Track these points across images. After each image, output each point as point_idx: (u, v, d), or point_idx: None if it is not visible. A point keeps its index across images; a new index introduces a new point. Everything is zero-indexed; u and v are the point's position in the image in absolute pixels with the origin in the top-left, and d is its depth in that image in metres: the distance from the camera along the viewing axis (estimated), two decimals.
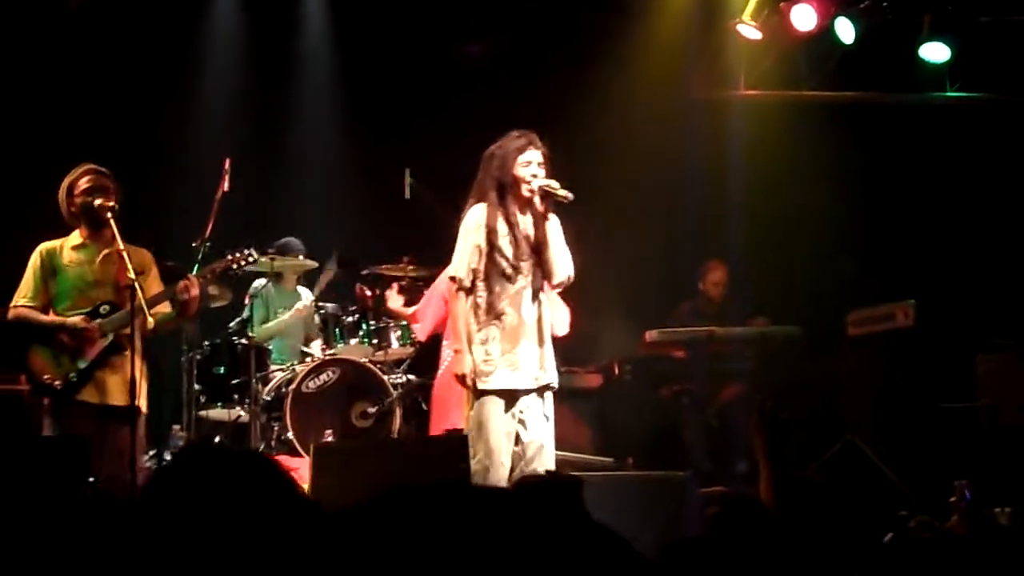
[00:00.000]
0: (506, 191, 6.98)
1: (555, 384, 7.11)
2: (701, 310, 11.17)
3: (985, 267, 11.08)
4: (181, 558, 1.87)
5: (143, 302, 7.13)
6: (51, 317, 7.42)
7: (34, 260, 7.50)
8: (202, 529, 1.90)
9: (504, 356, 6.93)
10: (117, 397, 7.32)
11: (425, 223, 9.42)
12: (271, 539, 1.92)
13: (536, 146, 6.99)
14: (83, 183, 7.46)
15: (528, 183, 6.93)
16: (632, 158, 11.45)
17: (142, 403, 7.38)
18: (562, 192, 6.90)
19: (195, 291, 7.50)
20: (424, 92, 11.76)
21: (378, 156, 11.18)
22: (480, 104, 11.37)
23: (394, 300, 9.53)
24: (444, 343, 8.74)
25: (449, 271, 7.19)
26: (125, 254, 7.24)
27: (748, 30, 10.79)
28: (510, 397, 6.93)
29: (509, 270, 6.98)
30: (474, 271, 7.03)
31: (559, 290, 7.26)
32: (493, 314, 6.96)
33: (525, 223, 7.03)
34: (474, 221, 7.06)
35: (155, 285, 7.56)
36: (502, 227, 6.97)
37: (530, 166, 6.95)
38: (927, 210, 11.64)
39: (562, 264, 7.02)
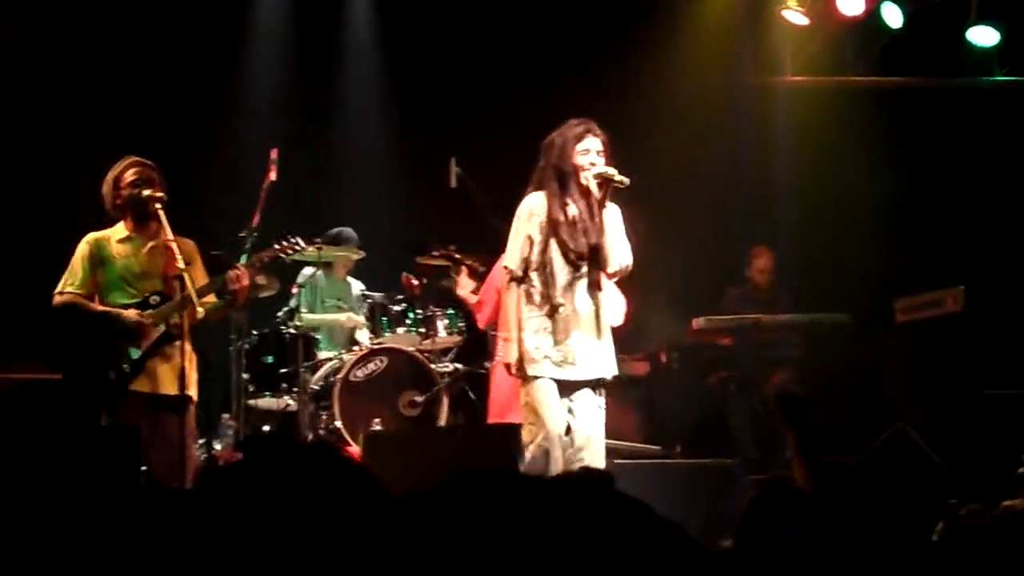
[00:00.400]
0: (566, 179, 6.92)
1: (613, 373, 7.05)
2: (749, 296, 11.14)
3: None
4: (244, 550, 1.88)
5: (192, 292, 7.16)
6: (103, 308, 7.43)
7: (82, 249, 7.51)
8: (268, 521, 1.90)
9: (555, 348, 6.88)
10: (168, 386, 7.34)
11: (471, 212, 9.43)
12: (341, 530, 1.92)
13: (595, 133, 6.94)
14: (129, 175, 7.49)
15: (586, 171, 6.89)
16: (679, 144, 11.42)
17: (192, 392, 7.43)
18: (619, 177, 6.85)
19: (245, 281, 7.53)
20: (469, 80, 11.76)
21: (424, 145, 11.21)
22: (526, 91, 11.37)
23: (464, 285, 9.49)
24: (497, 333, 8.72)
25: (503, 261, 7.16)
26: (174, 245, 7.28)
27: (794, 15, 10.76)
28: (560, 386, 6.90)
29: (566, 260, 6.93)
30: (527, 261, 6.99)
31: (616, 279, 7.20)
32: (547, 305, 6.91)
33: (584, 212, 6.96)
34: (528, 210, 7.02)
35: (201, 275, 7.58)
36: (561, 216, 6.92)
37: (589, 154, 6.90)
38: (975, 195, 11.56)
39: (619, 254, 6.96)
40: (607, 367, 7.02)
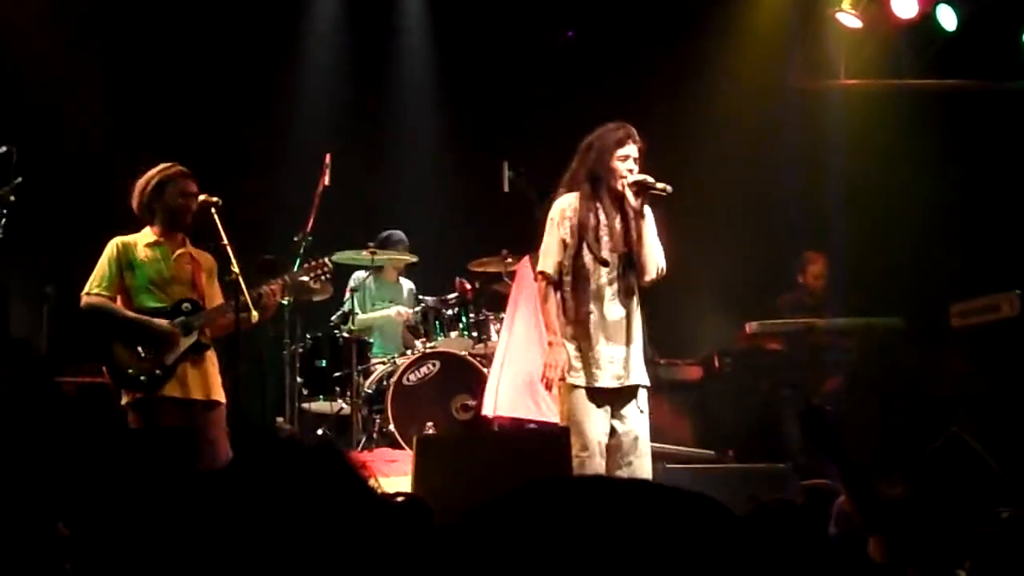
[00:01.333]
0: (600, 184, 6.87)
1: (645, 383, 6.99)
2: (802, 302, 11.08)
3: None
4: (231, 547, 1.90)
5: (248, 298, 7.26)
6: (134, 314, 7.43)
7: (110, 251, 7.51)
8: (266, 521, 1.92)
9: (585, 354, 6.82)
10: (198, 391, 7.40)
11: (524, 216, 9.44)
12: (331, 533, 1.94)
13: (634, 140, 6.87)
14: (182, 186, 7.54)
15: (624, 177, 6.84)
16: (731, 148, 11.39)
17: (221, 396, 7.51)
18: (660, 185, 6.80)
19: (279, 297, 7.65)
20: (521, 84, 11.78)
21: (476, 149, 11.23)
22: (576, 93, 11.38)
23: None
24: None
25: (539, 267, 7.06)
26: (229, 249, 7.36)
27: (848, 18, 10.72)
28: (597, 393, 6.86)
29: (597, 265, 6.87)
30: (561, 265, 6.96)
31: (649, 286, 7.12)
32: (578, 310, 6.86)
33: (615, 218, 6.90)
34: (560, 212, 6.96)
35: (217, 292, 7.64)
36: (593, 221, 6.87)
37: (627, 160, 6.84)
38: None
39: (653, 260, 6.89)
40: (638, 375, 6.95)
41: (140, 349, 7.36)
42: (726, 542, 1.68)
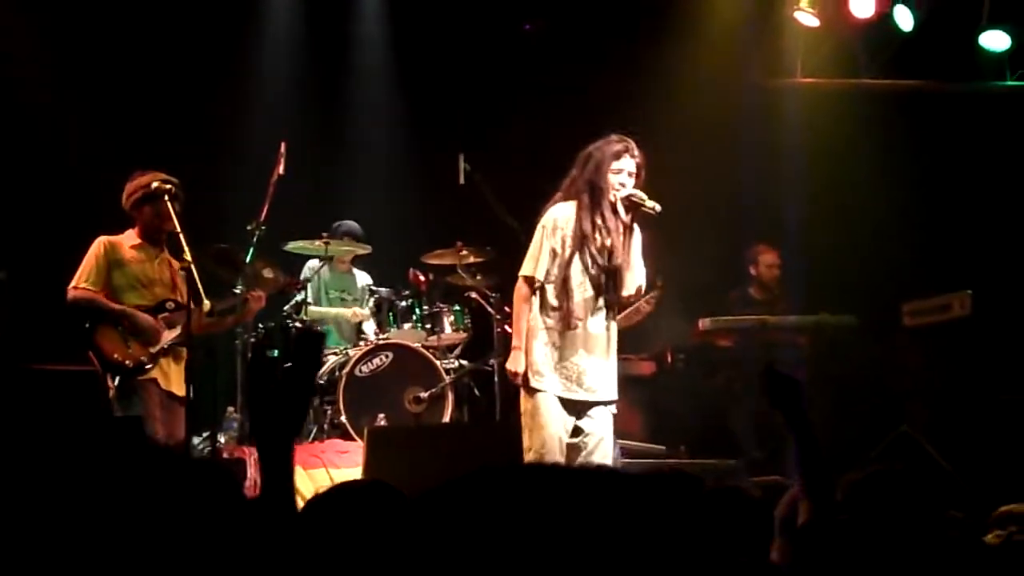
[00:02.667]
0: (598, 195, 6.84)
1: (615, 398, 6.98)
2: (750, 298, 11.10)
3: None
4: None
5: (199, 286, 7.41)
6: (121, 307, 7.71)
7: (97, 249, 7.75)
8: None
9: (562, 364, 6.82)
10: (175, 386, 7.72)
11: (479, 208, 9.42)
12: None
13: (632, 155, 6.87)
14: (162, 208, 7.65)
15: (617, 191, 6.83)
16: (688, 144, 11.38)
17: (184, 394, 7.76)
18: (649, 204, 6.80)
19: (262, 304, 8.21)
20: (479, 77, 11.75)
21: (432, 141, 11.19)
22: (535, 89, 11.36)
23: None
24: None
25: (523, 270, 7.00)
26: (182, 237, 7.41)
27: (806, 17, 10.74)
28: (564, 403, 6.84)
29: (586, 277, 6.86)
30: (546, 273, 6.91)
31: (625, 302, 7.12)
32: (561, 321, 6.84)
33: (611, 231, 6.89)
34: (553, 221, 6.94)
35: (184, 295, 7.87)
36: (591, 232, 6.85)
37: (621, 174, 6.84)
38: (984, 199, 11.52)
39: (634, 278, 6.92)
40: (611, 391, 6.96)
41: (126, 339, 7.64)
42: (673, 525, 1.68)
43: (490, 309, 9.59)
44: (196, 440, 8.93)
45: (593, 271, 6.86)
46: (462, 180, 9.53)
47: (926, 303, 10.31)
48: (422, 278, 9.93)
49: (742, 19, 11.52)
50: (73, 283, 7.71)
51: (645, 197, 6.81)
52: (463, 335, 9.89)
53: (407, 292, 9.95)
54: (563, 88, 11.24)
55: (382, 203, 11.38)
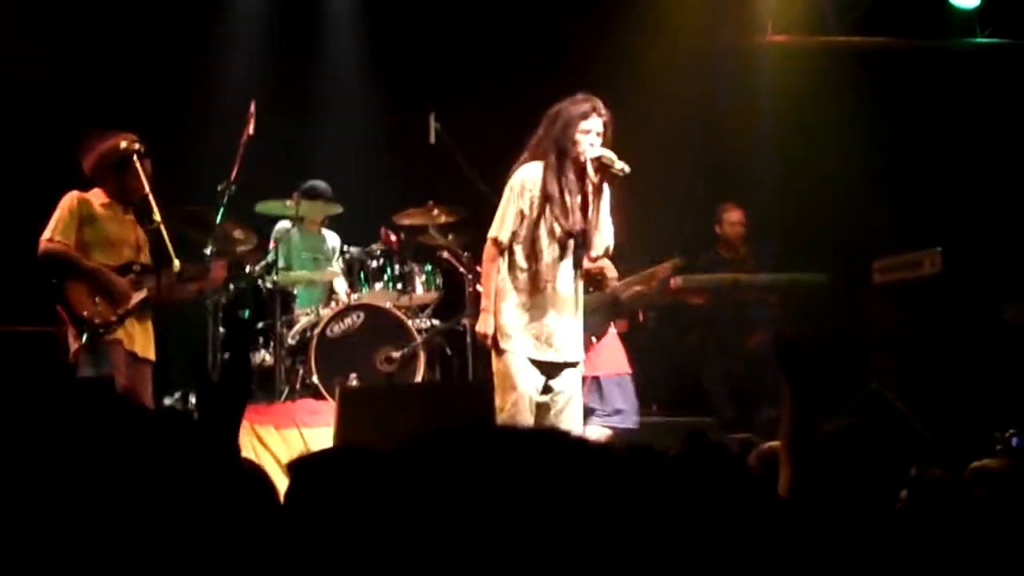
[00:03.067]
0: (564, 156, 6.79)
1: (580, 361, 7.02)
2: (721, 256, 11.11)
3: (1013, 215, 11.00)
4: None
5: (170, 247, 7.38)
6: (95, 264, 7.61)
7: (71, 202, 7.64)
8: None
9: (532, 325, 6.81)
10: (140, 347, 7.67)
11: (450, 167, 9.40)
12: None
13: (599, 114, 6.80)
14: (144, 167, 7.61)
15: (585, 151, 6.77)
16: (659, 105, 11.37)
17: (153, 356, 7.79)
18: (618, 164, 6.74)
19: (224, 273, 8.19)
20: (449, 36, 11.69)
21: (403, 100, 11.14)
22: (505, 48, 11.33)
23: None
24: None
25: (491, 232, 6.97)
26: (151, 198, 7.35)
27: None
28: (536, 364, 6.85)
29: (552, 238, 6.83)
30: (514, 234, 6.90)
31: (596, 262, 7.12)
32: (530, 282, 6.83)
33: (577, 192, 6.85)
34: (521, 183, 6.90)
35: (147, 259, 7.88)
36: (556, 193, 6.80)
37: (589, 134, 6.77)
38: (955, 157, 11.55)
39: (602, 239, 6.89)
40: (579, 353, 7.01)
41: (96, 298, 7.53)
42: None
43: (462, 269, 9.58)
44: (168, 400, 8.93)
45: (560, 232, 6.83)
46: (433, 139, 9.50)
47: (897, 260, 10.35)
48: (393, 238, 9.91)
49: None
50: (47, 235, 7.57)
51: (615, 158, 6.76)
52: (435, 295, 9.88)
53: (378, 252, 9.92)
54: (533, 47, 11.22)
55: (353, 163, 11.34)
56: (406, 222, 10.00)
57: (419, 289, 9.83)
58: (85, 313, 7.48)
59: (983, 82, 11.39)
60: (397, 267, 9.85)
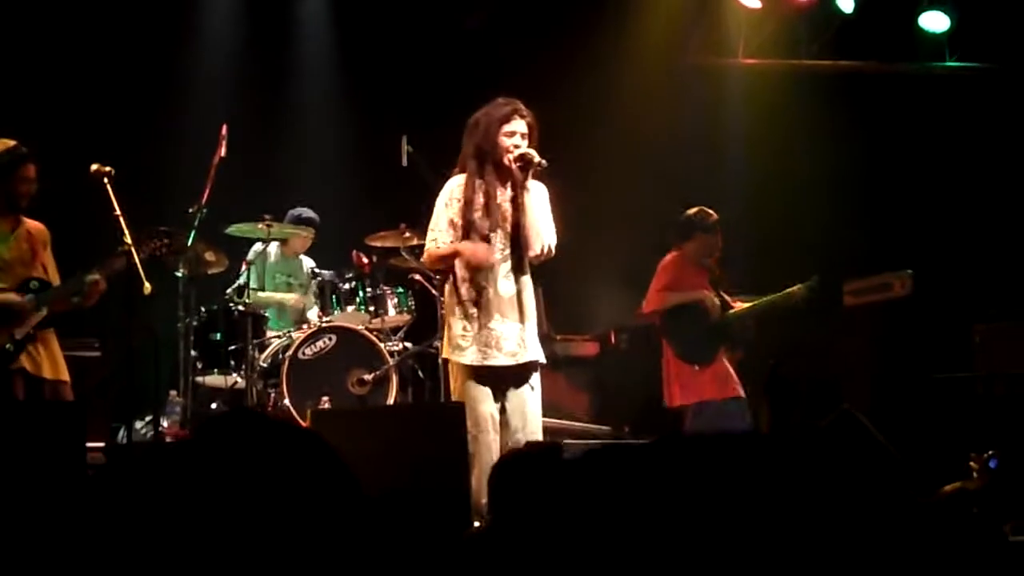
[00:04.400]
0: (486, 160, 6.80)
1: (540, 360, 6.97)
2: None
3: (983, 237, 11.07)
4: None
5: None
6: None
7: None
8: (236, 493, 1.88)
9: (479, 332, 6.81)
10: (47, 370, 7.40)
11: (422, 190, 9.40)
12: (309, 512, 1.90)
13: (521, 115, 6.81)
14: (25, 170, 7.43)
15: (510, 152, 6.77)
16: (630, 126, 11.42)
17: (66, 375, 7.50)
18: (538, 159, 6.71)
19: (103, 287, 7.52)
20: (422, 59, 11.72)
21: (375, 123, 11.15)
22: (477, 71, 11.34)
23: None
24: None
25: (426, 245, 7.04)
26: (122, 220, 7.29)
27: None
28: (489, 371, 6.84)
29: (487, 241, 6.83)
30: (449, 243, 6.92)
31: (539, 262, 7.09)
32: (471, 289, 6.83)
33: (503, 194, 6.86)
34: (449, 194, 6.92)
35: (51, 263, 7.62)
36: (478, 198, 6.81)
37: (513, 136, 6.77)
38: (925, 180, 11.62)
39: (539, 236, 6.82)
40: (533, 351, 6.92)
41: None
42: None
43: (434, 291, 9.58)
44: (139, 424, 8.90)
45: (491, 234, 6.85)
46: (405, 162, 9.50)
47: (867, 282, 10.38)
48: (365, 260, 9.90)
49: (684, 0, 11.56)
50: None
51: (535, 154, 6.74)
52: (407, 317, 9.88)
53: (350, 274, 9.91)
54: (504, 70, 11.22)
55: (325, 185, 11.35)
56: (378, 244, 10.00)
57: (391, 311, 9.82)
58: None
59: (952, 105, 11.48)
60: (369, 289, 9.84)
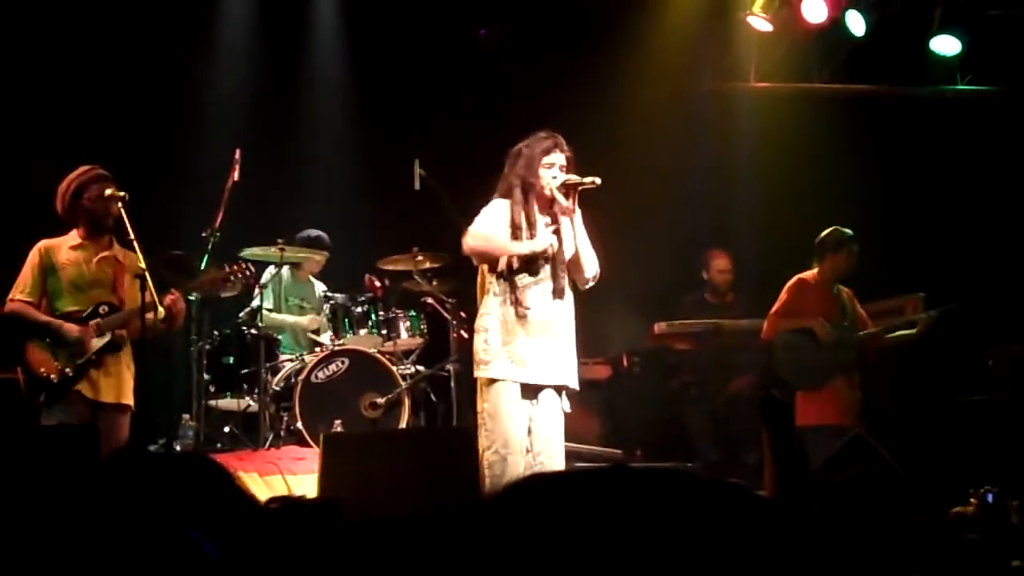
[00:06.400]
0: (529, 190, 7.03)
1: (574, 386, 7.07)
2: (705, 302, 11.15)
3: (995, 259, 11.06)
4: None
5: (154, 294, 7.28)
6: (48, 318, 7.53)
7: (33, 256, 7.63)
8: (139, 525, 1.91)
9: (504, 347, 6.92)
10: (107, 394, 7.52)
11: (435, 213, 9.43)
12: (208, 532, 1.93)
13: (562, 149, 7.04)
14: (95, 188, 7.55)
15: (548, 184, 6.98)
16: (642, 149, 11.44)
17: (130, 400, 7.59)
18: (587, 179, 6.96)
19: (181, 305, 7.66)
20: (434, 83, 11.76)
21: (388, 147, 11.18)
22: (489, 94, 11.39)
23: None
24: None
25: (471, 230, 7.17)
26: (136, 244, 7.33)
27: (759, 22, 10.80)
28: (523, 388, 6.91)
29: (526, 267, 6.99)
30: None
31: (586, 287, 7.21)
32: (509, 309, 6.96)
33: (547, 221, 7.08)
34: (497, 211, 7.10)
35: (135, 290, 7.59)
36: (524, 224, 7.01)
37: (553, 168, 7.00)
38: (937, 203, 11.62)
39: (589, 261, 7.07)
40: (568, 375, 7.03)
41: (53, 351, 7.44)
42: None
43: (446, 315, 9.62)
44: (152, 448, 8.91)
45: (535, 259, 7.00)
46: (417, 186, 9.53)
47: (878, 306, 10.36)
48: (378, 284, 9.93)
49: (695, 24, 11.58)
50: (10, 295, 7.59)
51: (577, 178, 6.98)
52: (419, 340, 9.89)
53: (363, 298, 9.94)
54: (517, 94, 11.26)
55: (338, 209, 11.37)
56: (390, 268, 10.03)
57: (404, 335, 9.84)
58: (43, 371, 7.39)
59: (964, 128, 11.48)
60: (382, 313, 9.87)
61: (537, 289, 6.99)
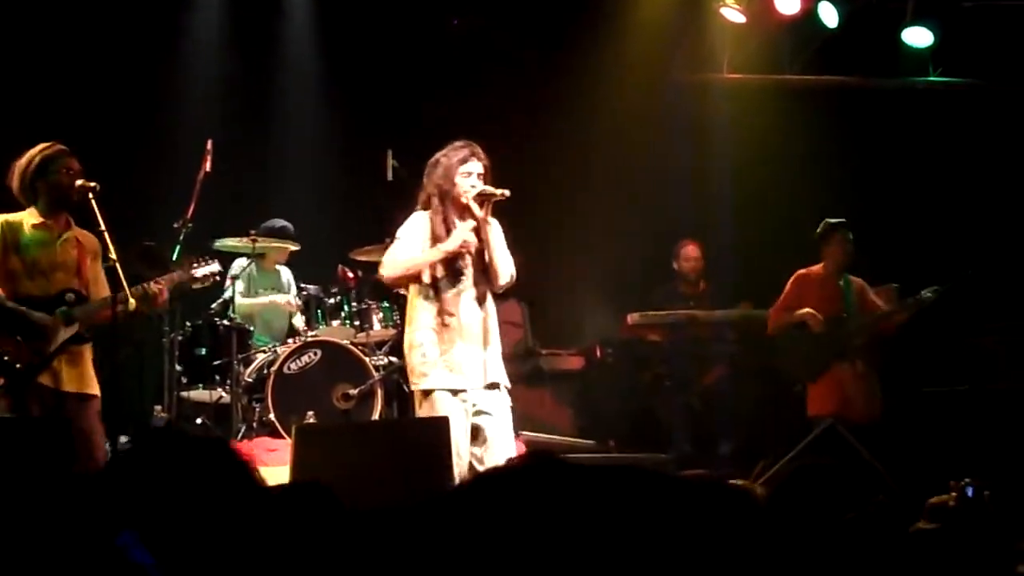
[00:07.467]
0: (447, 199, 7.07)
1: (504, 383, 7.08)
2: (677, 292, 11.16)
3: (968, 249, 11.09)
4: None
5: (126, 286, 7.13)
6: (14, 305, 7.12)
7: None
8: (158, 510, 1.90)
9: (442, 357, 6.95)
10: (69, 384, 7.19)
11: (408, 205, 9.40)
12: (225, 521, 1.92)
13: (478, 157, 7.08)
14: (66, 164, 7.34)
15: (467, 192, 7.03)
16: (614, 141, 11.44)
17: (96, 389, 7.30)
18: (499, 192, 7.00)
19: (165, 296, 7.47)
20: (407, 74, 11.73)
21: (361, 137, 11.16)
22: (462, 86, 11.36)
23: None
24: None
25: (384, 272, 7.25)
26: (107, 235, 7.17)
27: (732, 13, 10.83)
28: (456, 394, 6.94)
29: (448, 275, 7.04)
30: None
31: (502, 291, 7.26)
32: (434, 318, 7.01)
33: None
34: (413, 227, 7.16)
35: (101, 274, 7.41)
36: (444, 234, 7.05)
37: (470, 176, 7.04)
38: (909, 194, 11.65)
39: (503, 267, 7.10)
40: (498, 375, 7.07)
41: (18, 338, 7.10)
42: None
43: None
44: (123, 439, 8.87)
45: (454, 269, 7.05)
46: (390, 176, 9.52)
47: None
48: (351, 275, 9.92)
49: (669, 15, 11.58)
50: None
51: (493, 188, 7.01)
52: (392, 332, 9.88)
53: (335, 289, 9.94)
54: (489, 85, 11.25)
55: (310, 200, 11.35)
56: (363, 259, 10.00)
57: (376, 326, 9.83)
58: (6, 358, 7.05)
59: (935, 120, 11.51)
60: (354, 304, 9.86)
61: (463, 297, 7.05)
